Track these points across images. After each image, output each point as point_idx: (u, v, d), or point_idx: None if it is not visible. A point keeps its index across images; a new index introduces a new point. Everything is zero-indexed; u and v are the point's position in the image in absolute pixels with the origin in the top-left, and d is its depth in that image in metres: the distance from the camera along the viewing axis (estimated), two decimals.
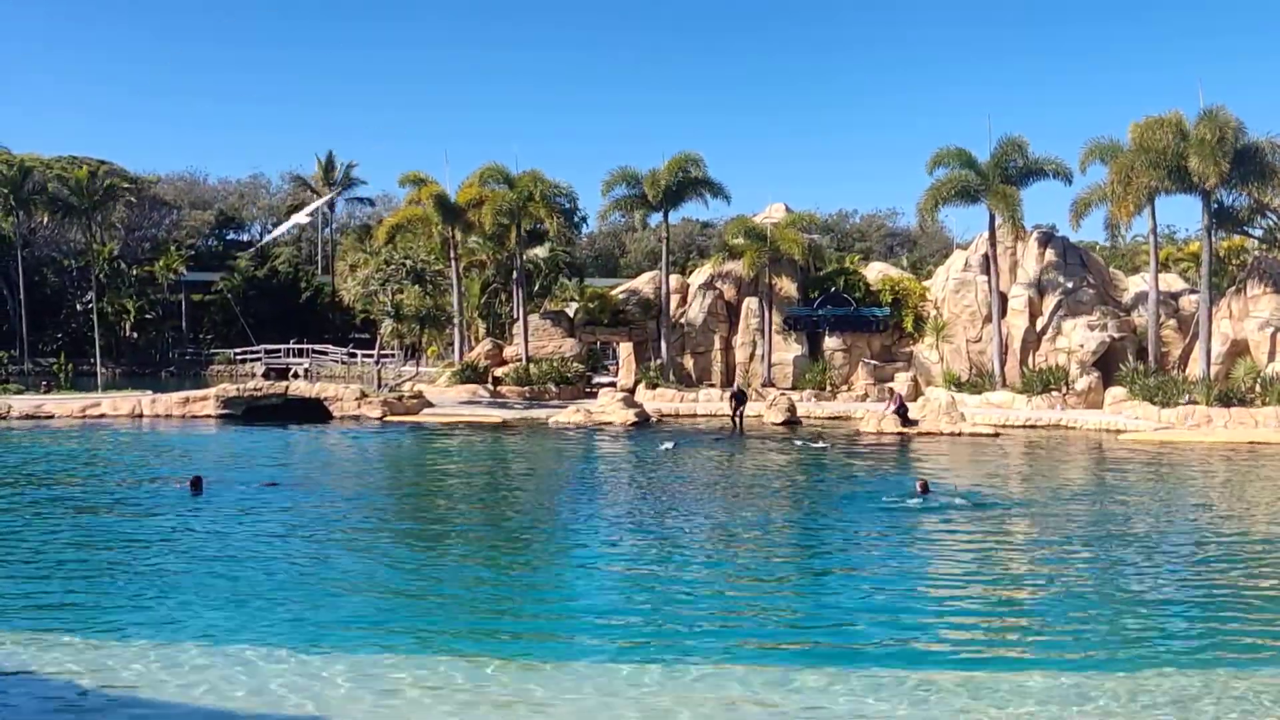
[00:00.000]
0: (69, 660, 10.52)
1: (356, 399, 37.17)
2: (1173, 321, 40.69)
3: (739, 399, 35.73)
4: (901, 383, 41.31)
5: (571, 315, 47.80)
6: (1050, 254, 42.80)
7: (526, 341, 45.15)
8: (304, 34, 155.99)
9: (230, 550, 15.46)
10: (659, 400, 40.75)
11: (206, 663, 10.46)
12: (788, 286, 45.53)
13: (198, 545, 15.83)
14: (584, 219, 61.26)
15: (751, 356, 44.92)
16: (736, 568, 15.19)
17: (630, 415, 35.07)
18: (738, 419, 35.13)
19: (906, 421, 33.56)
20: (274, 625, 11.78)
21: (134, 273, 73.80)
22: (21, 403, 37.66)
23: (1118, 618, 12.34)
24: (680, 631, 11.82)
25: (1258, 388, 33.88)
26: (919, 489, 20.19)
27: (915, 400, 36.69)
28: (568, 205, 50.33)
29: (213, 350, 74.25)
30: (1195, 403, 33.46)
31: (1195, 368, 36.93)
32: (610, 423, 34.71)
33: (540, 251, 55.89)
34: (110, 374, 60.43)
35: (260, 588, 13.37)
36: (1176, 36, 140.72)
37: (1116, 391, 37.00)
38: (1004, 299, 41.71)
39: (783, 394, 38.66)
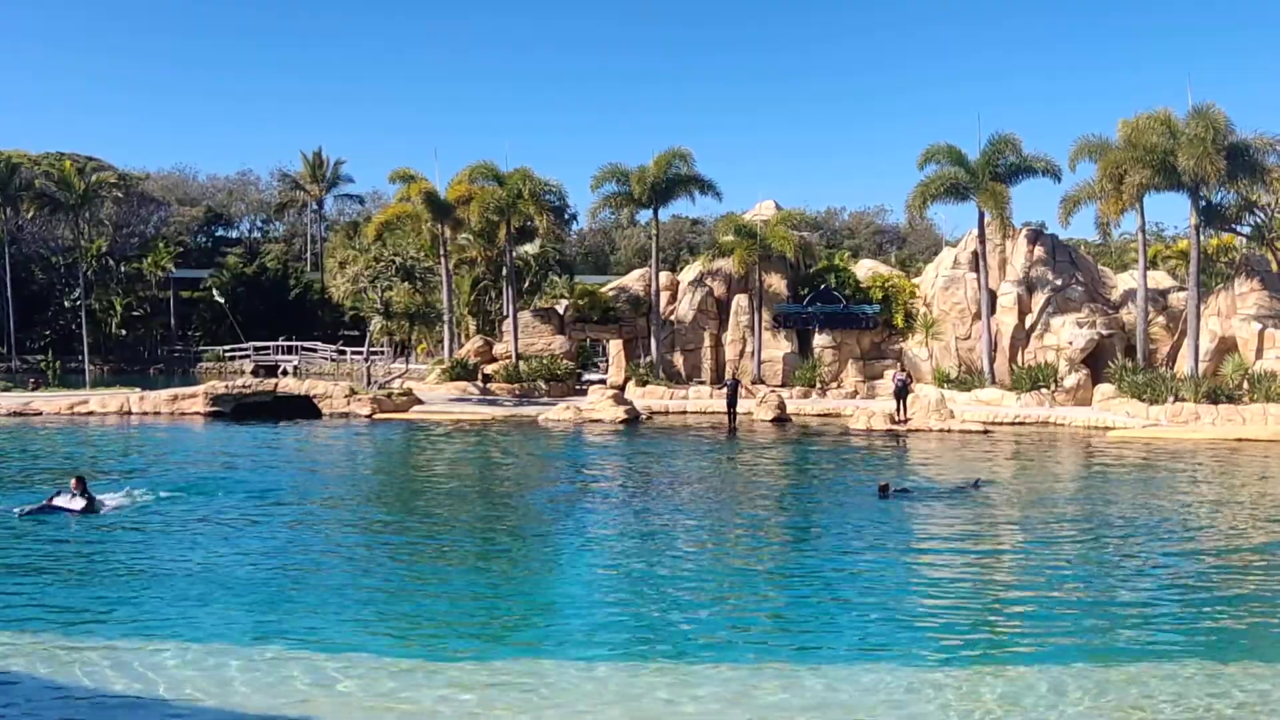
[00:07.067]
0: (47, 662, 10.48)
1: (346, 396, 37.08)
2: (1161, 319, 40.80)
3: (733, 389, 35.97)
4: (892, 379, 41.35)
5: (561, 312, 47.74)
6: (1039, 251, 42.91)
7: (516, 339, 45.08)
8: (293, 30, 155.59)
9: (208, 551, 15.41)
10: (649, 397, 40.72)
11: (184, 663, 10.41)
12: (778, 284, 45.55)
13: (168, 545, 15.78)
14: (574, 216, 61.10)
15: (741, 354, 44.92)
16: (726, 566, 15.20)
17: (620, 412, 35.04)
18: (733, 413, 35.38)
19: (900, 413, 33.70)
20: (259, 626, 11.74)
21: (122, 270, 73.45)
22: (9, 400, 37.50)
23: (1104, 613, 12.38)
24: (672, 631, 11.81)
25: (1245, 385, 34.01)
26: (879, 492, 20.09)
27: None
28: (557, 202, 50.22)
29: (201, 348, 73.98)
30: (1183, 400, 33.58)
31: (1184, 365, 37.06)
32: (600, 420, 34.67)
33: (530, 248, 55.81)
34: (99, 371, 60.21)
35: (240, 588, 13.32)
36: (1168, 34, 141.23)
37: (1105, 388, 37.12)
38: (993, 296, 41.78)
39: (773, 391, 38.69)
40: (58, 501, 17.78)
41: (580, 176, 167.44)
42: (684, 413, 38.94)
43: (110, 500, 18.56)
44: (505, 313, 48.27)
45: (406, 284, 43.66)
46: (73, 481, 18.20)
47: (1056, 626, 11.85)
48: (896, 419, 33.75)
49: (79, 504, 17.68)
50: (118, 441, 30.01)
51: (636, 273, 50.43)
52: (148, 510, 18.28)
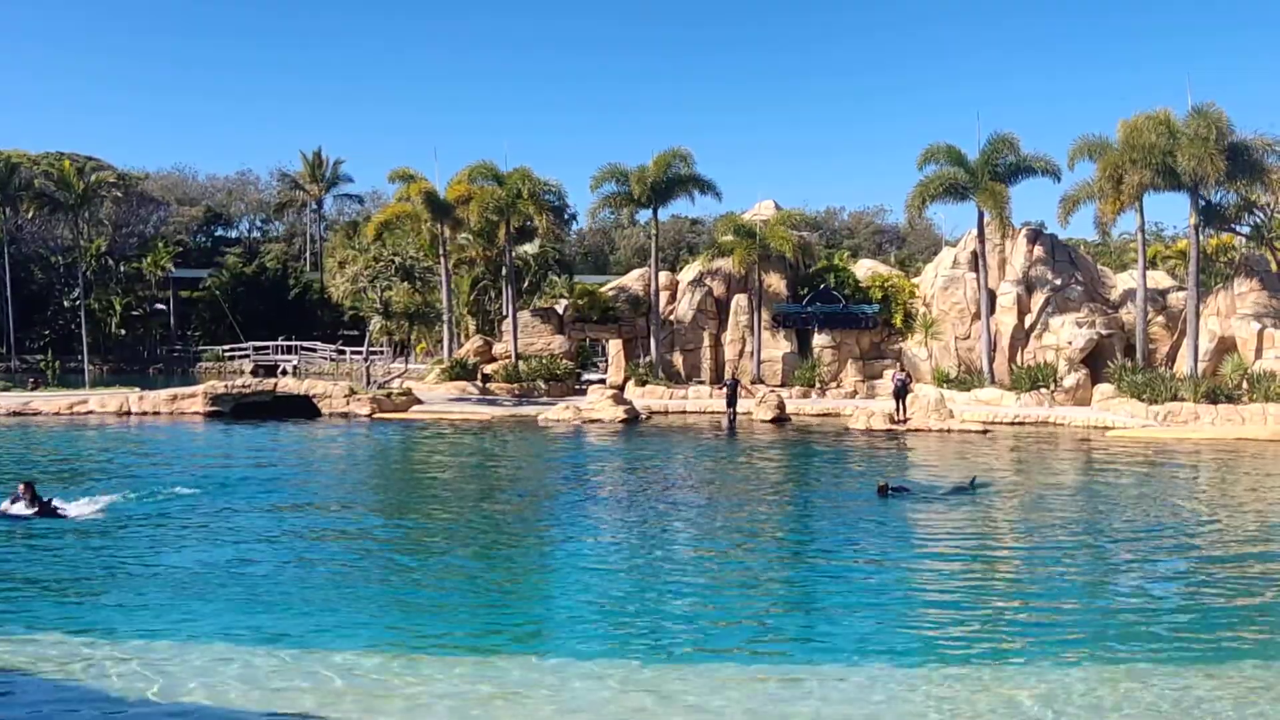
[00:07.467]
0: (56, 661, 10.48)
1: (345, 396, 37.08)
2: (1161, 318, 40.82)
3: (732, 389, 36.08)
4: (891, 379, 41.33)
5: (561, 312, 47.75)
6: (1039, 251, 42.92)
7: (516, 338, 45.07)
8: (293, 30, 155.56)
9: (206, 552, 15.40)
10: (648, 397, 40.73)
11: (184, 665, 10.41)
12: (777, 283, 45.56)
13: (168, 546, 15.77)
14: (574, 216, 61.23)
15: (741, 354, 44.92)
16: (725, 568, 15.17)
17: (619, 412, 35.03)
18: (733, 413, 35.42)
19: (900, 413, 33.71)
20: (259, 627, 11.73)
21: (122, 269, 73.48)
22: (9, 400, 37.48)
23: (1105, 616, 12.37)
24: (671, 633, 11.81)
25: (1245, 385, 34.02)
26: (877, 492, 20.11)
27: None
28: (557, 202, 50.28)
29: (201, 347, 74.00)
30: (1183, 400, 33.58)
31: (1183, 365, 37.07)
32: (599, 420, 34.67)
33: (530, 248, 55.82)
34: (98, 371, 60.21)
35: (240, 589, 13.32)
36: (1168, 34, 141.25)
37: (1105, 388, 37.12)
38: (993, 296, 41.79)
39: (772, 391, 38.69)
40: (2, 508, 17.16)
41: (580, 176, 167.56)
42: (683, 412, 38.94)
43: (77, 507, 17.83)
44: (505, 312, 48.27)
45: (406, 284, 43.65)
46: (20, 487, 17.50)
47: (1057, 630, 11.82)
48: (896, 419, 33.75)
49: (28, 510, 17.04)
50: (116, 441, 29.98)
51: (636, 273, 50.44)
52: (139, 512, 18.18)
